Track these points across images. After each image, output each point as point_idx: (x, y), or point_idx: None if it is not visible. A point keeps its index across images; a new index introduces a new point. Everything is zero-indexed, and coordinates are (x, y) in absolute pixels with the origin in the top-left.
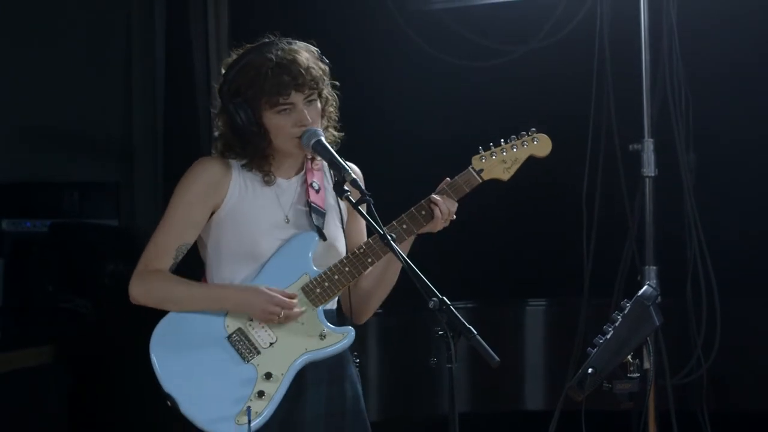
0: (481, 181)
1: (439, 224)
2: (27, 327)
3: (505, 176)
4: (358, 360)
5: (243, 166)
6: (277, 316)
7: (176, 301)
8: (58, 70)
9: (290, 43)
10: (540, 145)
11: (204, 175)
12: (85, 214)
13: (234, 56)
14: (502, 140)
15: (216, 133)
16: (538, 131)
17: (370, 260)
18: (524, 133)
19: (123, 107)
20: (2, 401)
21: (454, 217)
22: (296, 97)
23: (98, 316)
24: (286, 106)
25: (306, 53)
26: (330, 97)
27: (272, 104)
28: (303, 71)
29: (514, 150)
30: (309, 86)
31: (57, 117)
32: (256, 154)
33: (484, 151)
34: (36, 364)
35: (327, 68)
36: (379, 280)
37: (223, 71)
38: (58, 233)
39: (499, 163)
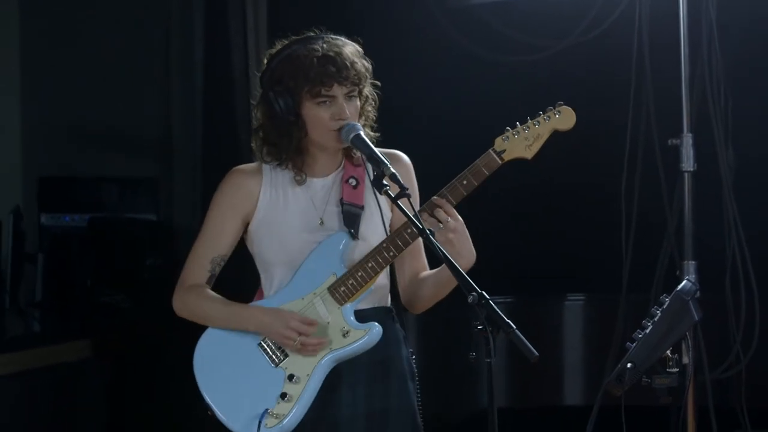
0: (501, 162)
1: (444, 234)
2: (65, 321)
3: (528, 154)
4: (414, 356)
5: (277, 165)
6: (292, 341)
7: (207, 318)
8: (97, 66)
9: (335, 38)
10: (563, 117)
11: (234, 186)
12: (124, 208)
13: (278, 47)
14: (529, 118)
15: (255, 125)
16: (564, 104)
17: (391, 254)
18: (550, 107)
19: (162, 102)
20: (41, 395)
21: (458, 220)
22: (338, 90)
23: (136, 310)
24: (326, 98)
25: (351, 48)
26: (369, 96)
27: (314, 94)
28: (348, 65)
29: (537, 126)
30: (352, 81)
31: (96, 112)
32: (291, 146)
33: (511, 130)
34: (74, 359)
35: (370, 67)
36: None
37: (266, 61)
38: (96, 228)
39: (521, 141)
